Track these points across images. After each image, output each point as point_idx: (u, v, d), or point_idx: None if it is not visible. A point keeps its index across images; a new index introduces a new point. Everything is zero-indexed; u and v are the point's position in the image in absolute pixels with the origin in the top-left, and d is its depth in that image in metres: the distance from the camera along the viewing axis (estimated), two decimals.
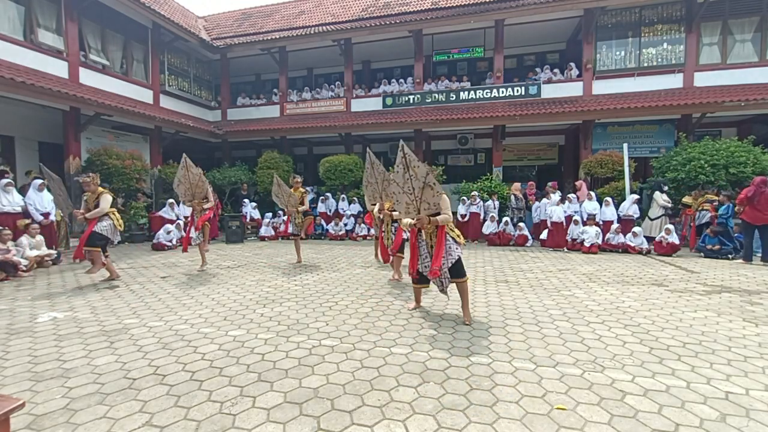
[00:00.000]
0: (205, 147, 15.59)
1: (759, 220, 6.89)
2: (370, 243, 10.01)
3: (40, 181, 7.55)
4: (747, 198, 6.95)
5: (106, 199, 5.47)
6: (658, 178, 9.43)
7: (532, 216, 10.37)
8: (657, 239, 8.06)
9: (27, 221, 6.97)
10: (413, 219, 3.64)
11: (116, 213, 5.75)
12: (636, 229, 8.36)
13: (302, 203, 7.11)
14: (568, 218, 8.91)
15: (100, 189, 5.56)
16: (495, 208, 10.21)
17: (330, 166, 12.25)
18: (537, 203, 10.26)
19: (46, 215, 7.41)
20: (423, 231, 3.75)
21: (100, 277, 5.82)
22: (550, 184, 10.27)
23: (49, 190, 7.51)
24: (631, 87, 11.58)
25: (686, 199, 8.89)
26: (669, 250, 7.78)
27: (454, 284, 3.79)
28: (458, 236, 3.74)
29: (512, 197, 10.19)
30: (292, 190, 7.05)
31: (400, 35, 13.44)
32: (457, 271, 3.70)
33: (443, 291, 3.80)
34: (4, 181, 6.94)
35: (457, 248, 3.69)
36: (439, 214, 3.60)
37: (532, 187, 11.08)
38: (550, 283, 5.35)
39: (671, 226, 8.07)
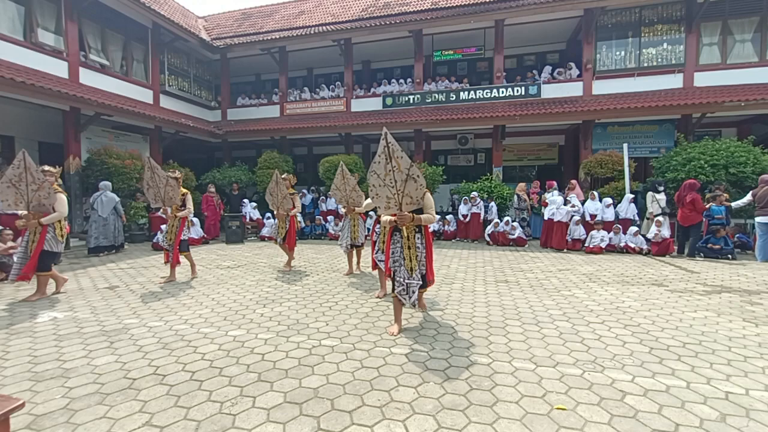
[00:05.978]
0: (205, 147, 15.62)
1: (687, 221, 7.53)
2: (369, 243, 9.99)
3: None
4: (677, 199, 7.64)
5: (190, 200, 6.11)
6: (657, 178, 9.41)
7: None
8: (650, 237, 8.08)
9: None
10: (393, 215, 3.24)
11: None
12: (632, 228, 8.35)
13: (293, 206, 6.46)
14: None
15: (184, 190, 6.10)
16: (494, 212, 10.18)
17: (330, 166, 12.24)
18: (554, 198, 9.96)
19: None
20: (403, 229, 3.32)
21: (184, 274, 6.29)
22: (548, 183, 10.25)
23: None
24: (631, 87, 11.56)
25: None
26: (664, 248, 7.82)
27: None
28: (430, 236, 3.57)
29: (515, 197, 10.17)
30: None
31: (400, 35, 13.43)
32: (425, 281, 3.44)
33: (412, 304, 3.33)
34: None
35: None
36: (421, 211, 3.28)
37: (536, 187, 11.05)
38: (550, 283, 5.35)
39: (662, 218, 8.08)
